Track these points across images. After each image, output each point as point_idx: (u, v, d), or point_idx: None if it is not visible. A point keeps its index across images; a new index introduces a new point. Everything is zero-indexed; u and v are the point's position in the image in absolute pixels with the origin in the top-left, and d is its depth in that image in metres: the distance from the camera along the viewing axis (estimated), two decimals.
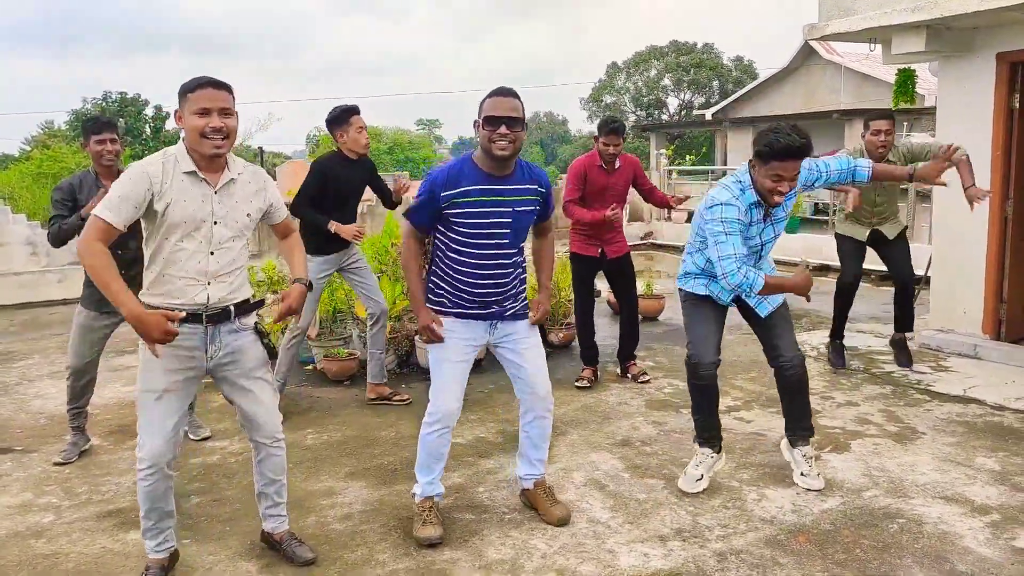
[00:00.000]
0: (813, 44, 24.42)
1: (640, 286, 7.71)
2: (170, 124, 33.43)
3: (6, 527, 3.49)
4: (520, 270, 3.30)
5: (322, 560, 3.11)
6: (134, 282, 2.80)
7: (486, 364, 5.88)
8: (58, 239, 3.97)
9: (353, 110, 4.73)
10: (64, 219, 3.94)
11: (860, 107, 21.88)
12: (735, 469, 3.93)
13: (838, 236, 5.66)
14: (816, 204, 16.61)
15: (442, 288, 3.22)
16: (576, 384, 5.37)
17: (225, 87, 2.73)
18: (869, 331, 6.95)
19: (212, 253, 2.77)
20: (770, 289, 3.35)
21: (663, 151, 17.22)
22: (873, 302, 8.38)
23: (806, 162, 3.45)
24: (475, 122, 3.07)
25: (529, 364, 3.30)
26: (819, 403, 4.95)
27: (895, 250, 5.54)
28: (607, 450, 4.19)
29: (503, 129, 2.96)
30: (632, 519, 3.42)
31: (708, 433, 3.75)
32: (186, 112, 2.69)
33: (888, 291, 9.12)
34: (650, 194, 5.56)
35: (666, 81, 43.04)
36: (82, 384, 4.20)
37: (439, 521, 3.26)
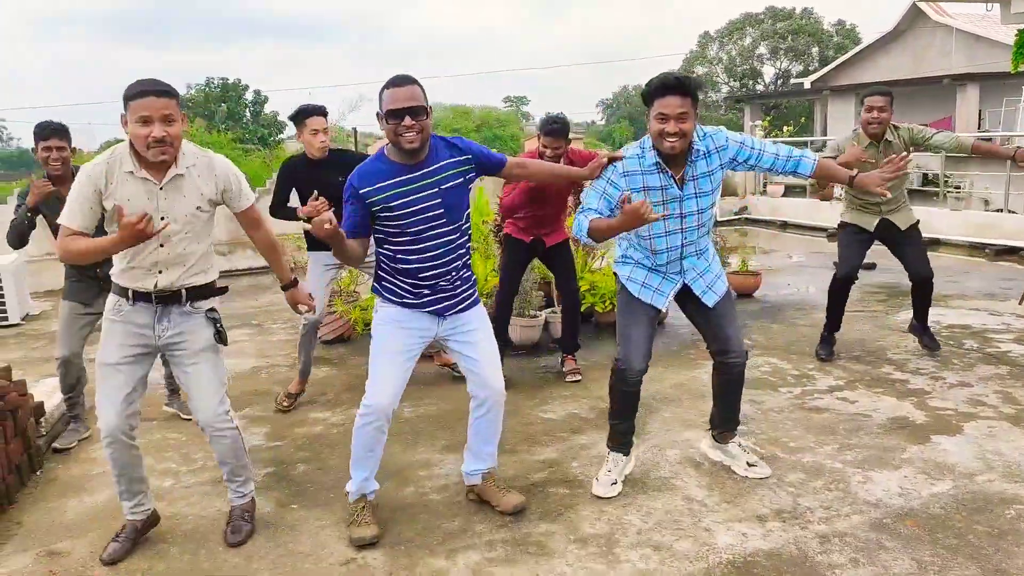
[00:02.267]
0: (921, 5, 23.07)
1: (735, 262, 7.54)
2: (269, 108, 34.62)
3: None
4: (466, 256, 3.15)
5: (423, 529, 3.20)
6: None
7: (580, 341, 5.88)
8: (13, 238, 4.17)
9: (308, 111, 4.53)
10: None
11: (974, 71, 20.57)
12: (838, 450, 3.81)
13: (842, 224, 5.15)
14: (925, 175, 15.73)
15: (390, 282, 3.11)
16: (568, 380, 5.11)
17: (167, 93, 2.75)
18: (984, 308, 6.58)
19: (162, 245, 2.89)
20: (598, 232, 3.07)
21: (758, 123, 16.67)
22: (989, 277, 7.92)
23: (737, 136, 3.22)
24: (377, 114, 2.93)
25: (482, 356, 3.17)
26: (928, 383, 4.73)
27: (910, 245, 5.07)
28: (702, 428, 4.13)
29: (407, 121, 2.84)
30: (729, 498, 3.37)
31: (624, 438, 3.54)
32: (130, 119, 2.74)
33: (1005, 265, 8.62)
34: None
35: (762, 49, 41.55)
36: (72, 373, 4.30)
37: (374, 520, 3.16)
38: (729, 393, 3.56)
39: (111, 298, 2.98)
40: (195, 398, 3.07)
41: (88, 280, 4.16)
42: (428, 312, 3.11)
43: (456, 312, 3.15)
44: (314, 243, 4.65)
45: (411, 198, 2.96)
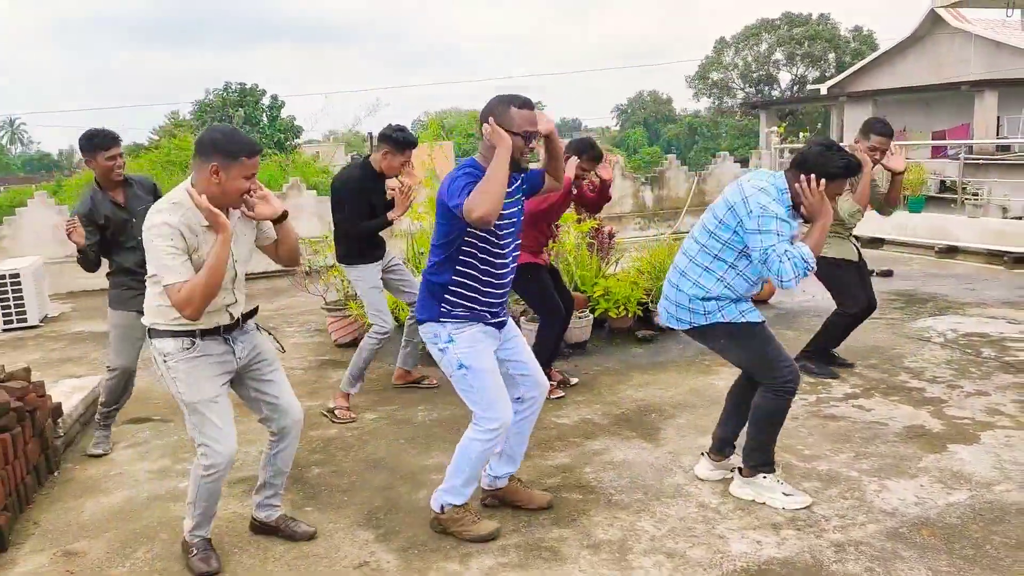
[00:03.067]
0: (940, 11, 22.89)
1: None
2: (285, 112, 34.82)
3: (148, 490, 3.78)
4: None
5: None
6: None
7: (590, 347, 5.88)
8: (85, 269, 4.18)
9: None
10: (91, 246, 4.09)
11: (992, 78, 20.41)
12: (854, 459, 3.79)
13: (831, 263, 4.79)
14: (943, 181, 15.60)
15: (471, 300, 3.08)
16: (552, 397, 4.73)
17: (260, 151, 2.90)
18: (1001, 316, 6.52)
19: (235, 287, 2.99)
20: (815, 246, 3.13)
21: (774, 129, 16.61)
22: (1006, 285, 7.85)
23: (735, 194, 3.19)
24: (484, 125, 2.95)
25: (530, 358, 3.30)
26: (946, 392, 4.69)
27: (865, 271, 5.04)
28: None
29: (532, 143, 3.02)
30: (743, 505, 3.36)
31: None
32: (232, 173, 2.76)
33: (1023, 274, 8.53)
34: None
35: (778, 55, 41.42)
36: (124, 383, 4.26)
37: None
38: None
39: (168, 343, 2.87)
40: (284, 401, 3.11)
41: (135, 285, 4.01)
42: (494, 326, 3.16)
43: (506, 321, 3.25)
44: (362, 254, 4.66)
45: (512, 210, 3.08)
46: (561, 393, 4.88)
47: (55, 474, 4.00)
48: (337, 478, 3.82)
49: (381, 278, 4.76)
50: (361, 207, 4.54)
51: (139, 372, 4.46)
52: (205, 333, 2.91)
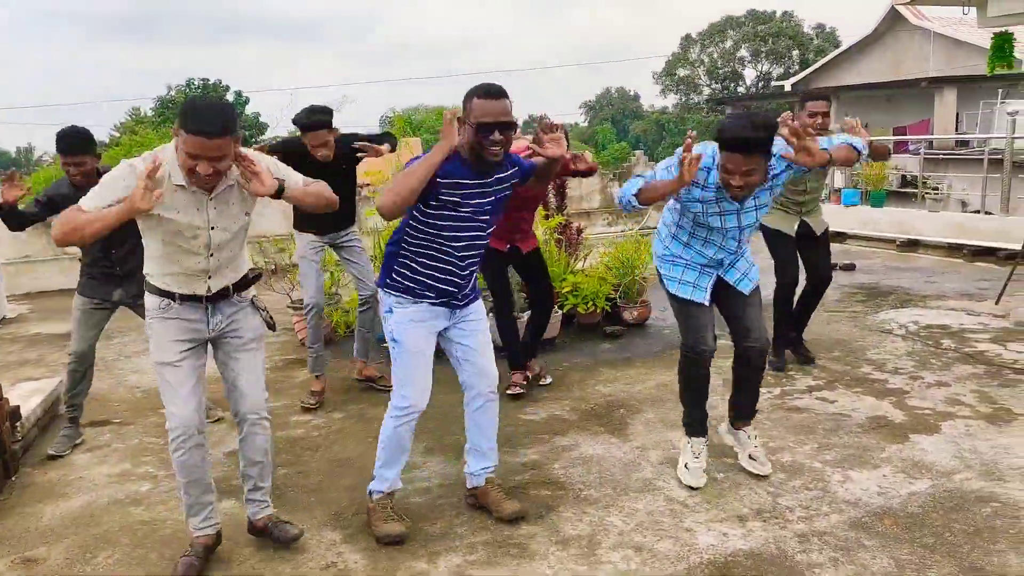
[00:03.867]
0: (900, 9, 23.30)
1: None
2: (250, 109, 34.41)
3: (107, 495, 3.70)
4: (483, 253, 3.20)
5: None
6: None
7: (559, 343, 5.89)
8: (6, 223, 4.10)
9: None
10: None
11: (951, 74, 20.82)
12: (817, 450, 3.84)
13: (764, 230, 4.93)
14: (904, 176, 15.90)
15: (413, 280, 3.09)
16: (507, 392, 4.71)
17: (221, 133, 2.60)
18: (961, 308, 6.65)
19: (212, 255, 2.89)
20: (652, 192, 3.18)
21: None
22: (966, 278, 8.01)
23: (778, 146, 3.13)
24: (459, 119, 2.89)
25: (480, 345, 3.21)
26: (907, 383, 4.77)
27: (820, 249, 5.03)
28: (683, 429, 4.14)
29: (496, 136, 2.85)
30: (710, 498, 3.39)
31: (703, 425, 3.67)
32: (180, 144, 2.66)
33: (982, 266, 8.72)
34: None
35: (743, 52, 41.89)
36: (83, 370, 4.25)
37: (400, 518, 3.19)
38: (749, 380, 3.61)
39: (152, 299, 2.89)
40: (242, 386, 2.99)
41: (106, 274, 4.17)
42: (443, 306, 3.14)
43: (465, 305, 3.20)
44: (302, 223, 4.71)
45: (469, 200, 2.99)
46: (519, 389, 4.79)
47: (13, 479, 3.90)
48: (303, 478, 3.77)
49: (339, 254, 4.95)
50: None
51: (100, 374, 4.37)
52: (184, 298, 2.86)
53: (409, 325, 3.10)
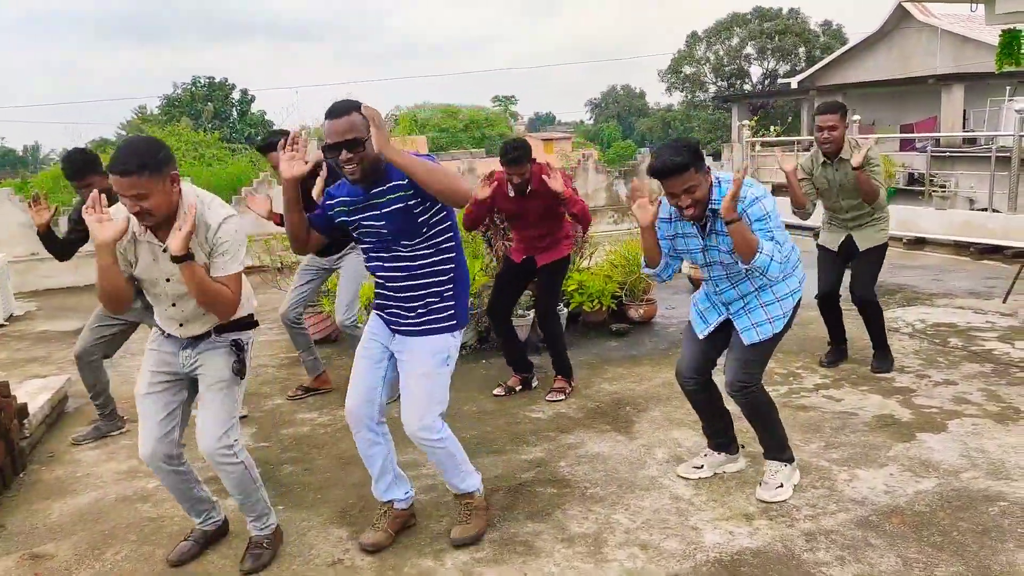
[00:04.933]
0: (907, 6, 23.21)
1: None
2: (255, 107, 34.48)
3: (115, 492, 3.72)
4: (428, 278, 2.94)
5: (411, 529, 3.19)
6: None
7: (568, 340, 5.88)
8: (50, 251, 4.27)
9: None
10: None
11: (959, 72, 20.72)
12: (824, 448, 3.83)
13: (817, 246, 5.15)
14: (912, 174, 15.83)
15: (376, 288, 3.11)
16: (494, 393, 4.86)
17: (132, 172, 2.52)
18: (968, 307, 6.63)
19: (174, 304, 2.90)
20: (645, 253, 3.31)
21: (746, 122, 16.74)
22: (973, 276, 7.98)
23: (759, 211, 3.10)
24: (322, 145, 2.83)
25: (405, 391, 2.98)
26: (914, 382, 4.76)
27: (860, 266, 4.93)
28: (689, 427, 4.14)
29: (344, 155, 2.72)
30: (716, 497, 3.38)
31: (714, 440, 3.68)
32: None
33: (990, 264, 8.69)
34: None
35: (749, 49, 41.71)
36: (84, 372, 4.29)
37: (384, 528, 3.13)
38: (749, 418, 3.49)
39: (154, 330, 3.01)
40: (199, 426, 2.89)
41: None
42: (386, 324, 3.08)
43: (403, 334, 3.01)
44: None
45: (358, 217, 2.92)
46: (560, 396, 4.74)
47: (21, 476, 3.92)
48: (310, 476, 3.78)
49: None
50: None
51: (109, 372, 4.42)
52: (167, 333, 2.94)
53: (366, 332, 3.13)
